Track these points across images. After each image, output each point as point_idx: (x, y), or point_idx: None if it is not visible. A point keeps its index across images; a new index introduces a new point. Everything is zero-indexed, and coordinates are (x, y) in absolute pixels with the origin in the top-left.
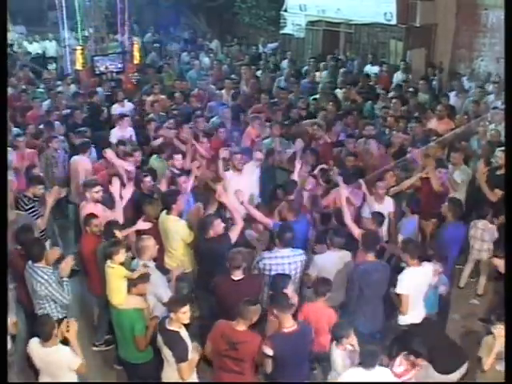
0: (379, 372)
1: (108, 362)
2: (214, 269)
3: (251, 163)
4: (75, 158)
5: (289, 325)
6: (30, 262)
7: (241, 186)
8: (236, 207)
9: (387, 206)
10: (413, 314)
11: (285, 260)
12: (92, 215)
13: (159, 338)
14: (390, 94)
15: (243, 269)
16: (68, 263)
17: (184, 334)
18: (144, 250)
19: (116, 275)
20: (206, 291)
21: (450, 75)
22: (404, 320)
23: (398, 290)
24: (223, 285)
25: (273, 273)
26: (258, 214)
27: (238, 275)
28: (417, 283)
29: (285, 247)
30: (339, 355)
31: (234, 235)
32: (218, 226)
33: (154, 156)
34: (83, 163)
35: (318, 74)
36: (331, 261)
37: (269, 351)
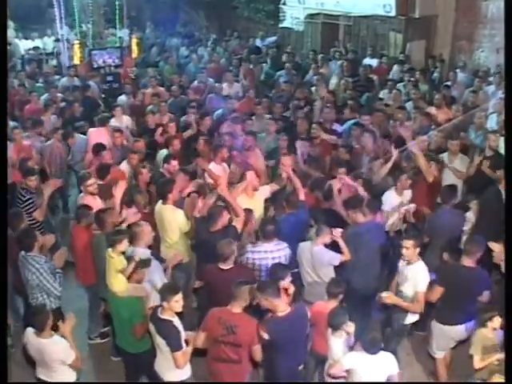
0: (382, 357)
1: (104, 354)
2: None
3: (266, 187)
4: (92, 129)
5: (282, 309)
6: (22, 252)
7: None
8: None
9: (406, 198)
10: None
11: (268, 254)
12: (87, 207)
13: (152, 327)
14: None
15: (233, 259)
16: (62, 254)
17: (177, 322)
18: (139, 236)
19: (113, 266)
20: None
21: (451, 67)
22: (410, 319)
23: (421, 288)
24: (211, 273)
25: (256, 267)
26: (238, 207)
27: (226, 265)
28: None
29: (268, 240)
30: (336, 343)
31: (239, 226)
32: (226, 218)
33: (163, 151)
34: (100, 134)
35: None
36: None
37: (265, 335)
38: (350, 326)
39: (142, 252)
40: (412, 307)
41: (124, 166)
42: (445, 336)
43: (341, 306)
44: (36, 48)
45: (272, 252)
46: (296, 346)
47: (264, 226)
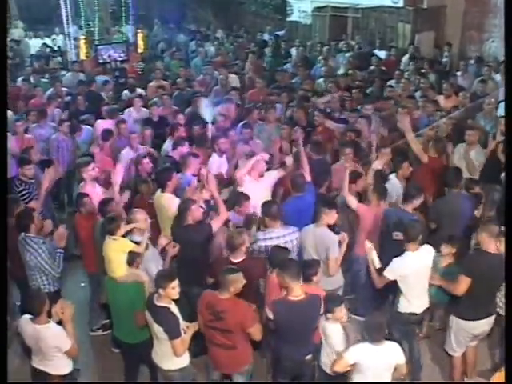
0: (388, 347)
1: (106, 346)
2: (193, 258)
3: (273, 173)
4: (99, 121)
5: (296, 293)
6: (22, 234)
7: (257, 193)
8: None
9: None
10: (416, 302)
11: (280, 240)
12: (84, 195)
13: (148, 316)
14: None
15: (245, 250)
16: (60, 234)
17: (174, 309)
18: (133, 223)
19: (120, 248)
20: (187, 283)
21: (460, 57)
22: (405, 308)
23: (385, 272)
24: (221, 267)
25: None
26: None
27: (238, 257)
28: (415, 268)
29: (275, 223)
30: (333, 330)
31: (216, 225)
32: (196, 212)
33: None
34: (107, 126)
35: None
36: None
37: (270, 315)
38: (342, 311)
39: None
40: (375, 275)
41: (126, 153)
42: (465, 332)
43: (336, 293)
44: (43, 45)
45: (284, 236)
46: (302, 336)
47: (267, 207)
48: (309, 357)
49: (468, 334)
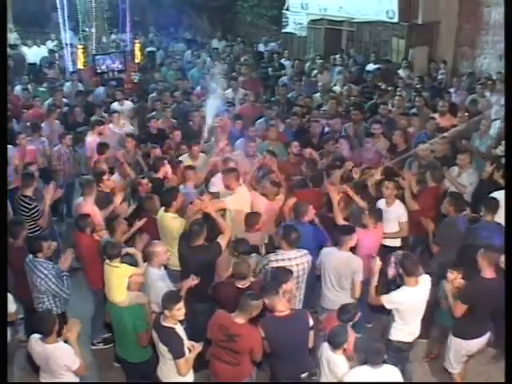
0: (386, 370)
1: (107, 360)
2: (203, 278)
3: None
4: (90, 133)
5: (281, 309)
6: (30, 256)
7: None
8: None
9: (397, 209)
10: (407, 332)
11: (292, 262)
12: (86, 216)
13: (154, 335)
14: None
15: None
16: (68, 257)
17: (179, 329)
18: (152, 255)
19: (122, 274)
20: (193, 302)
21: (453, 73)
22: (396, 336)
23: (383, 298)
24: (227, 292)
25: None
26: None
27: (244, 283)
28: (412, 302)
29: (290, 248)
30: (341, 360)
31: (223, 244)
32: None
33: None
34: (95, 140)
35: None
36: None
37: (261, 332)
38: (350, 343)
39: (155, 272)
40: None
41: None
42: (464, 350)
43: (343, 326)
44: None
45: (296, 259)
46: (294, 351)
47: (287, 233)
48: (305, 375)
49: (466, 352)
